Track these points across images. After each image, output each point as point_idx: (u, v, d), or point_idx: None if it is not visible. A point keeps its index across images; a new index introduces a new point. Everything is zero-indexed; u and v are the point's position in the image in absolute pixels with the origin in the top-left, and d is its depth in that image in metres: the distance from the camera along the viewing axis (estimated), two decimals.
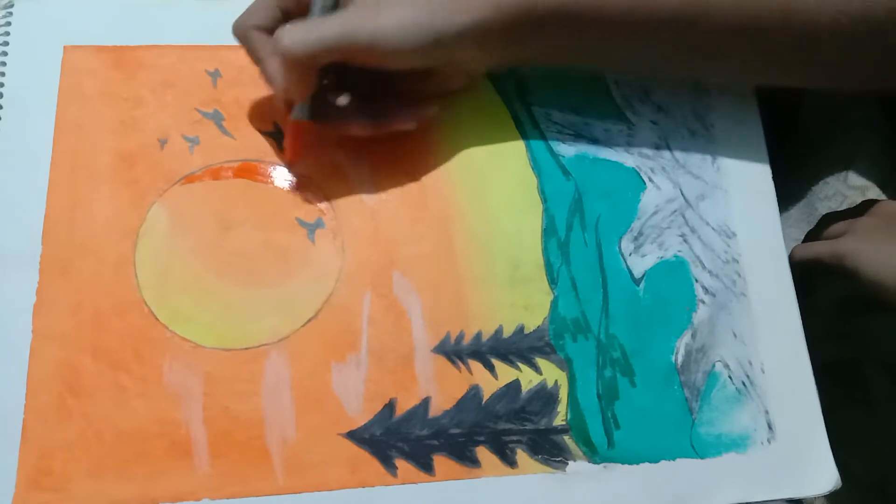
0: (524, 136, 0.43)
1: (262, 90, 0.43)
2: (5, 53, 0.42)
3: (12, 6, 0.43)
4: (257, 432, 0.37)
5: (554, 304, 0.39)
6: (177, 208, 0.40)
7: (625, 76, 0.44)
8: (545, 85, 0.44)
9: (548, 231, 0.41)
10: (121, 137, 0.41)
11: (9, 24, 0.43)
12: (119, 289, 0.38)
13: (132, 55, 0.43)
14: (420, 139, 0.42)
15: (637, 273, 0.40)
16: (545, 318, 0.39)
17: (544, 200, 0.42)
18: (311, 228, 0.40)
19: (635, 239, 0.41)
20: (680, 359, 0.39)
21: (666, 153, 0.43)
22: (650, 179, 0.42)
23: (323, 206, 0.41)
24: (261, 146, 0.42)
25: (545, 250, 0.40)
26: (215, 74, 0.43)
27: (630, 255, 0.40)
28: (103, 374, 0.37)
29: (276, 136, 0.42)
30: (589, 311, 0.39)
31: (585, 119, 0.43)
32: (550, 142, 0.43)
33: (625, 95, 0.44)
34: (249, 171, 0.41)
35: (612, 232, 0.41)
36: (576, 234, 0.41)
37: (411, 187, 0.42)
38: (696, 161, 0.43)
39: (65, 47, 0.43)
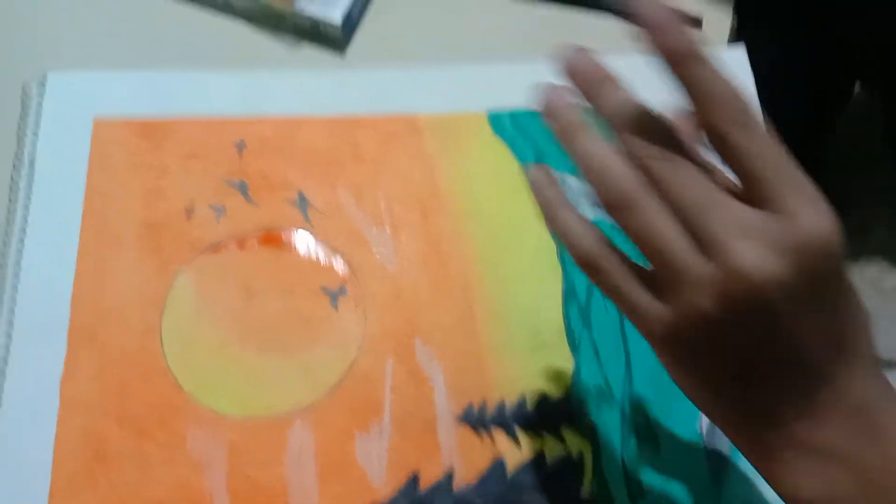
0: None
1: (286, 160, 0.44)
2: (38, 125, 0.43)
3: (45, 80, 0.45)
4: (281, 502, 0.37)
5: (576, 371, 0.39)
6: (202, 277, 0.41)
7: None
8: (561, 150, 0.45)
9: (568, 296, 0.41)
10: (148, 207, 0.42)
11: (42, 96, 0.44)
12: (145, 357, 0.39)
13: (160, 127, 0.44)
14: (438, 204, 0.43)
15: None
16: (568, 386, 0.39)
17: (564, 265, 0.42)
18: (334, 296, 0.41)
19: None
20: (705, 427, 0.38)
21: None
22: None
23: (346, 273, 0.41)
24: (285, 214, 0.43)
25: (566, 316, 0.41)
26: (241, 145, 0.44)
27: None
28: (129, 442, 0.37)
29: (299, 205, 0.43)
30: (612, 378, 0.39)
31: None
32: None
33: None
34: (274, 240, 0.42)
35: None
36: (596, 299, 0.41)
37: (431, 254, 0.42)
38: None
39: (95, 120, 0.44)
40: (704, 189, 0.27)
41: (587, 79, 0.29)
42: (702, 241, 0.26)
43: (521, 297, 0.41)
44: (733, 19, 0.51)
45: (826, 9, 0.57)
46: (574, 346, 0.40)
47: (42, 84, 0.44)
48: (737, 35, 0.51)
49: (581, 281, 0.41)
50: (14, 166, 0.42)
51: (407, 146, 0.45)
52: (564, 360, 0.40)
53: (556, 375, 0.39)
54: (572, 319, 0.40)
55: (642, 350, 0.40)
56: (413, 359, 0.39)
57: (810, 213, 0.25)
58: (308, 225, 0.42)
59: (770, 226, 0.26)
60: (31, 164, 0.42)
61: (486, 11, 0.50)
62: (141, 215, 0.42)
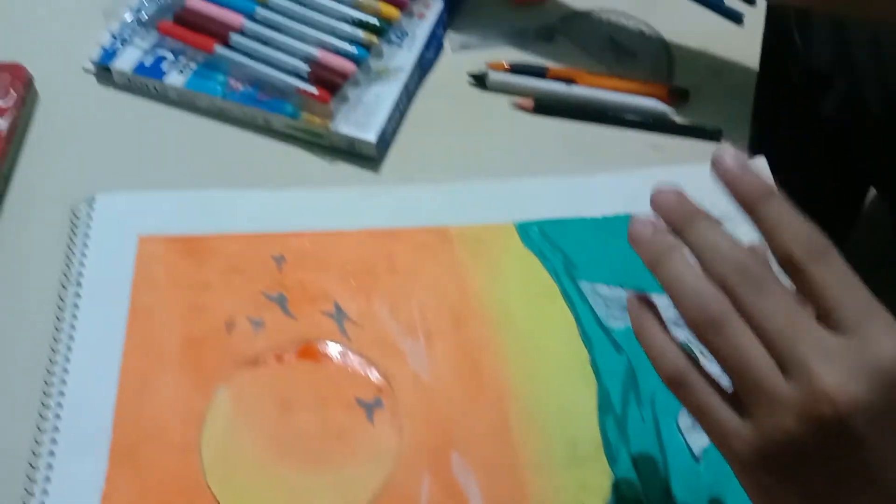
0: (574, 310, 0.44)
1: (323, 272, 0.45)
2: (86, 245, 0.45)
3: (94, 200, 0.47)
4: None
5: (615, 486, 0.39)
6: (241, 392, 0.41)
7: None
8: (590, 259, 0.46)
9: (603, 407, 0.41)
10: (189, 322, 0.43)
11: (90, 216, 0.46)
12: (185, 474, 0.39)
13: (202, 244, 0.46)
14: (471, 314, 0.44)
15: (696, 450, 0.40)
16: (606, 502, 0.38)
17: (598, 375, 0.42)
18: (370, 408, 0.41)
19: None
20: None
21: None
22: (702, 353, 0.43)
23: (381, 384, 0.42)
24: (322, 326, 0.43)
25: (602, 428, 0.41)
26: (280, 259, 0.45)
27: (688, 431, 0.40)
28: None
29: (336, 317, 0.44)
30: (651, 493, 0.39)
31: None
32: (600, 316, 0.44)
33: None
34: (311, 353, 0.43)
35: (668, 407, 0.41)
36: (632, 411, 0.41)
37: (465, 364, 0.43)
38: None
39: (140, 238, 0.46)
40: (788, 313, 0.28)
41: (675, 214, 0.32)
42: (785, 364, 0.28)
43: (557, 407, 0.41)
44: (751, 130, 0.52)
45: (841, 123, 0.59)
46: (612, 459, 0.40)
47: (90, 205, 0.47)
48: (755, 146, 0.52)
49: (616, 392, 0.42)
50: (62, 285, 0.44)
51: (439, 257, 0.46)
52: (602, 474, 0.39)
53: (594, 490, 0.39)
54: (609, 431, 0.40)
55: (680, 463, 0.40)
56: (449, 473, 0.39)
57: (887, 339, 0.27)
58: (344, 337, 0.43)
59: (850, 350, 0.27)
60: (79, 282, 0.44)
61: (512, 127, 0.52)
62: (182, 331, 0.43)
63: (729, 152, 0.31)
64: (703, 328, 0.29)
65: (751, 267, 0.29)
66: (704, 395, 0.30)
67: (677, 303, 0.30)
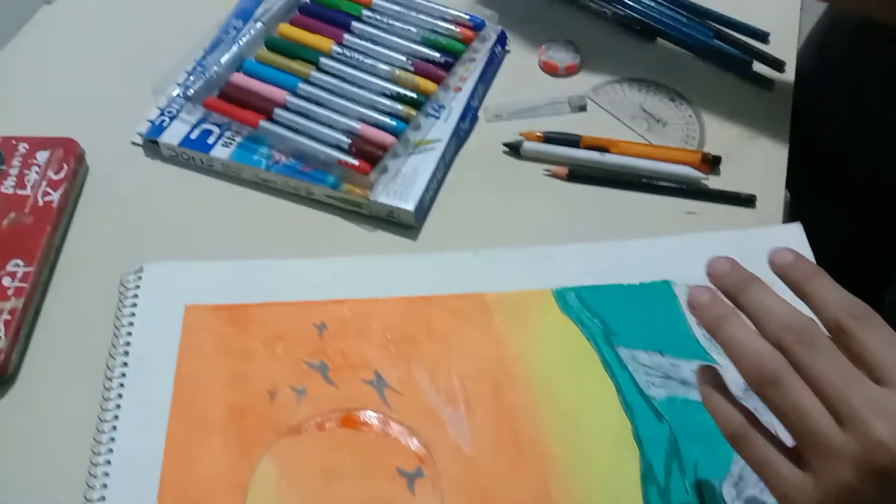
0: (614, 378, 0.44)
1: (363, 340, 0.46)
2: (134, 314, 0.46)
3: (142, 271, 0.48)
4: None
5: None
6: (284, 461, 0.42)
7: None
8: (629, 326, 0.46)
9: (646, 477, 0.41)
10: (233, 390, 0.44)
11: (138, 287, 0.48)
12: None
13: (246, 312, 0.47)
14: (510, 382, 0.44)
15: None
16: None
17: (640, 445, 0.42)
18: (411, 478, 0.41)
19: (736, 484, 0.41)
20: None
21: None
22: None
23: (422, 454, 0.42)
24: (363, 395, 0.44)
25: (645, 498, 0.40)
26: (321, 327, 0.46)
27: (733, 501, 0.40)
28: None
29: (376, 385, 0.44)
30: None
31: (672, 360, 0.45)
32: (640, 384, 0.44)
33: (707, 336, 0.45)
34: (352, 422, 0.43)
35: (712, 477, 0.41)
36: (675, 481, 0.41)
37: (505, 432, 0.43)
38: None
39: (186, 307, 0.47)
40: (841, 369, 0.31)
41: (730, 280, 0.35)
42: (841, 417, 0.30)
43: (598, 478, 0.41)
44: (786, 196, 0.53)
45: (874, 185, 0.60)
46: None
47: (138, 275, 0.48)
48: (789, 212, 0.53)
49: (659, 462, 0.41)
50: (110, 354, 0.45)
51: (477, 323, 0.47)
52: None
53: None
54: (652, 502, 0.40)
55: None
56: None
57: None
58: (385, 406, 0.44)
59: None
60: (126, 351, 0.45)
61: (547, 195, 0.53)
62: (227, 399, 0.44)
63: (779, 252, 0.35)
64: (762, 385, 0.32)
65: (804, 327, 0.32)
66: (765, 449, 0.32)
67: (737, 363, 0.33)
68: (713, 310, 0.34)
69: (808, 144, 0.58)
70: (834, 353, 0.31)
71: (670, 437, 0.42)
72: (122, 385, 0.44)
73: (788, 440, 0.32)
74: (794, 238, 0.48)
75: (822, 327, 0.32)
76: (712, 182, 0.53)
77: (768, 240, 0.50)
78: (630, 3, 0.62)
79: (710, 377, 0.35)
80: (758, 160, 0.55)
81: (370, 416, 0.43)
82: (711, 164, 0.54)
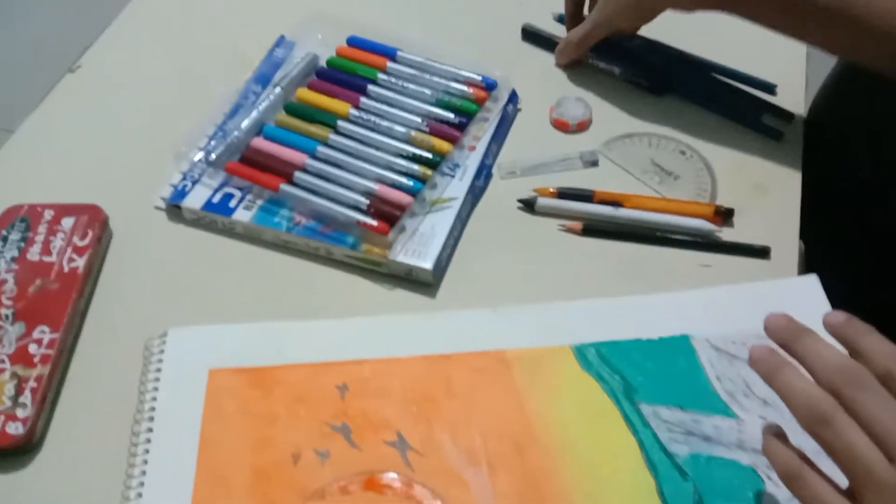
0: (636, 435, 0.44)
1: (384, 400, 0.46)
2: (157, 379, 0.47)
3: (166, 335, 0.49)
4: None
5: None
6: None
7: (725, 372, 0.46)
8: (649, 381, 0.46)
9: None
10: (258, 454, 0.44)
11: (162, 351, 0.48)
12: None
13: (269, 374, 0.47)
14: (532, 441, 0.44)
15: None
16: None
17: (665, 501, 0.42)
18: None
19: None
20: None
21: None
22: (768, 478, 0.42)
23: None
24: (386, 457, 0.44)
25: None
26: (343, 388, 0.47)
27: None
28: None
29: (399, 446, 0.44)
30: None
31: (693, 416, 0.45)
32: (663, 441, 0.44)
33: (728, 390, 0.46)
34: (375, 485, 0.43)
35: None
36: None
37: (529, 492, 0.43)
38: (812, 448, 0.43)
39: (210, 371, 0.47)
40: (890, 409, 0.33)
41: (783, 332, 0.37)
42: (892, 453, 0.32)
43: None
44: (800, 247, 0.53)
45: (891, 231, 0.60)
46: None
47: (163, 340, 0.49)
48: (805, 263, 0.53)
49: None
50: (135, 419, 0.45)
51: (497, 381, 0.47)
52: None
53: None
54: None
55: None
56: None
57: None
58: (408, 468, 0.44)
59: None
60: (151, 416, 0.45)
61: (562, 250, 0.54)
62: (251, 463, 0.44)
63: (833, 315, 0.37)
64: (815, 424, 0.34)
65: (854, 370, 0.34)
66: (819, 487, 0.34)
67: (791, 407, 0.35)
68: (769, 361, 0.37)
69: (821, 193, 0.59)
70: (883, 394, 0.33)
71: (695, 495, 0.42)
72: (147, 451, 0.44)
73: (842, 483, 0.34)
74: (811, 289, 0.49)
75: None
76: (726, 234, 0.54)
77: (785, 292, 0.51)
78: (637, 60, 0.64)
79: (772, 428, 0.38)
80: (771, 211, 0.55)
81: (393, 479, 0.43)
82: (725, 216, 0.54)
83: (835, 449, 0.34)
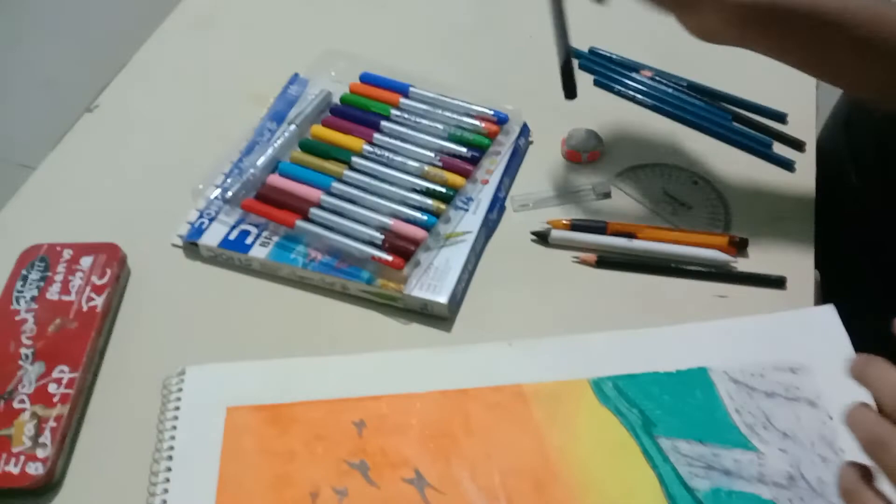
0: (656, 470, 0.44)
1: (402, 436, 0.46)
2: (176, 417, 0.47)
3: (184, 373, 0.49)
4: None
5: None
6: None
7: (744, 404, 0.46)
8: (667, 415, 0.46)
9: None
10: (277, 492, 0.44)
11: (181, 389, 0.48)
12: None
13: (286, 412, 0.47)
14: (551, 477, 0.44)
15: None
16: None
17: None
18: None
19: None
20: None
21: (801, 482, 0.43)
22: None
23: None
24: (404, 495, 0.44)
25: None
26: (360, 425, 0.47)
27: None
28: None
29: (417, 484, 0.44)
30: None
31: (713, 449, 0.45)
32: (683, 476, 0.44)
33: (748, 423, 0.45)
34: None
35: None
36: None
37: None
38: (835, 490, 0.43)
39: (228, 409, 0.48)
40: None
41: (855, 365, 0.38)
42: None
43: None
44: (816, 276, 0.53)
45: None
46: None
47: (181, 378, 0.49)
48: (821, 292, 0.53)
49: None
50: (154, 458, 0.46)
51: (514, 416, 0.47)
52: None
53: None
54: None
55: None
56: None
57: None
58: None
59: None
60: (170, 455, 0.45)
61: (576, 282, 0.54)
62: (270, 501, 0.44)
63: (857, 360, 0.38)
64: (872, 446, 0.35)
65: None
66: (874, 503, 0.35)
67: (855, 435, 0.36)
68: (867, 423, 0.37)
69: (835, 221, 0.58)
70: None
71: None
72: (166, 490, 0.44)
73: None
74: (828, 320, 0.49)
75: None
76: (741, 264, 0.54)
77: (802, 322, 0.51)
78: (648, 91, 0.64)
79: (849, 465, 0.38)
80: (785, 241, 0.55)
81: None
82: (739, 246, 0.54)
83: (892, 470, 0.34)
